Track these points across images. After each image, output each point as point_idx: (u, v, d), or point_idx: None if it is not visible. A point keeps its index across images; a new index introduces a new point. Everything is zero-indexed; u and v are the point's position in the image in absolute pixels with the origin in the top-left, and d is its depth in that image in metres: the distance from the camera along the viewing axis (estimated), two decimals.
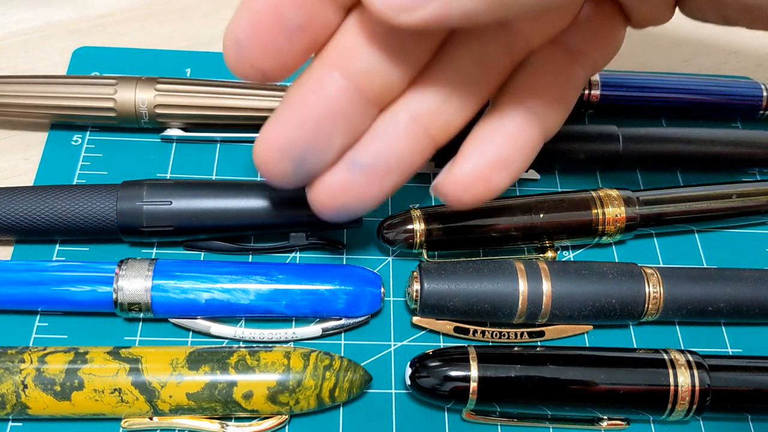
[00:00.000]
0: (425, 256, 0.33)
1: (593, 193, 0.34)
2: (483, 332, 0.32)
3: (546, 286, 0.30)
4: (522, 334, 0.32)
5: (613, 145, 0.37)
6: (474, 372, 0.28)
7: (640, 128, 0.38)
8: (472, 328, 0.32)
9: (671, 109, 0.40)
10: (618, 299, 0.31)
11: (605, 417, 0.29)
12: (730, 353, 0.33)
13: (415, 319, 0.32)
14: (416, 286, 0.30)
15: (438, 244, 0.33)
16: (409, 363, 0.29)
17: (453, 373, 0.28)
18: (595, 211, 0.33)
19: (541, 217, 0.33)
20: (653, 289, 0.31)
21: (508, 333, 0.32)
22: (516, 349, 0.29)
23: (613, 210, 0.33)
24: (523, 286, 0.30)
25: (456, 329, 0.32)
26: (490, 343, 0.32)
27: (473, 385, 0.28)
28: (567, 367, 0.29)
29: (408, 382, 0.29)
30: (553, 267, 0.31)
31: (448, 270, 0.31)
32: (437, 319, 0.31)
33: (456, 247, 0.33)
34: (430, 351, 0.29)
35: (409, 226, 0.32)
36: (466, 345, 0.30)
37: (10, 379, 0.27)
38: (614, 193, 0.34)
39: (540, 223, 0.33)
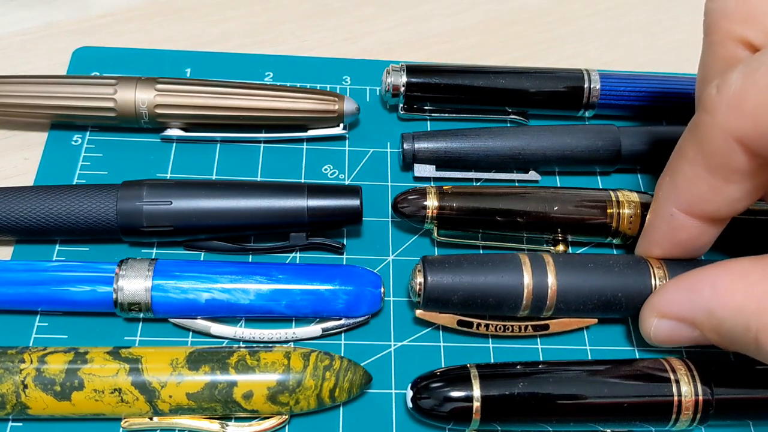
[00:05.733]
0: (436, 234, 0.33)
1: (611, 193, 0.34)
2: (487, 326, 0.31)
3: (551, 279, 0.30)
4: (526, 327, 0.32)
5: (613, 145, 0.37)
6: (477, 392, 0.28)
7: (640, 128, 0.38)
8: (476, 321, 0.31)
9: (671, 109, 0.40)
10: (624, 292, 0.30)
11: (608, 431, 0.29)
12: (732, 357, 0.33)
13: (419, 313, 0.31)
14: (419, 279, 0.30)
15: (449, 222, 0.33)
16: (409, 385, 0.29)
17: (455, 394, 0.28)
18: (611, 210, 0.33)
19: (555, 209, 0.33)
20: (659, 282, 0.30)
21: (512, 326, 0.32)
22: (518, 366, 0.29)
23: (629, 211, 0.33)
24: (527, 278, 0.30)
25: (459, 323, 0.31)
26: (491, 339, 0.32)
27: (476, 404, 0.27)
28: (569, 382, 0.28)
29: (410, 404, 0.28)
30: (558, 260, 0.31)
31: (451, 263, 0.30)
32: (441, 313, 0.31)
33: (467, 228, 0.34)
34: (430, 372, 0.29)
35: (424, 201, 0.33)
36: (467, 364, 0.29)
37: (10, 379, 0.27)
38: (634, 196, 0.34)
39: (553, 215, 0.33)
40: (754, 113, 0.24)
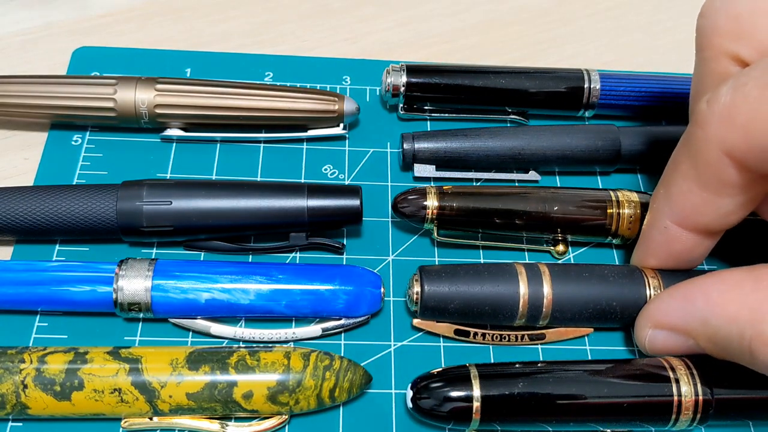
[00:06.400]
0: (436, 234, 0.33)
1: (611, 193, 0.34)
2: (483, 335, 0.32)
3: (546, 289, 0.30)
4: (523, 336, 0.32)
5: (613, 145, 0.37)
6: (476, 392, 0.28)
7: (640, 128, 0.38)
8: (472, 330, 0.32)
9: (671, 109, 0.40)
10: (619, 302, 0.31)
11: (608, 431, 0.29)
12: None
13: (416, 322, 0.32)
14: (416, 288, 0.30)
15: (449, 222, 0.33)
16: (409, 385, 0.29)
17: (455, 394, 0.28)
18: (611, 210, 0.33)
19: (555, 209, 0.33)
20: (654, 292, 0.31)
21: (509, 336, 0.32)
22: (517, 366, 0.29)
23: (629, 211, 0.33)
24: (523, 288, 0.30)
25: (456, 332, 0.32)
26: (491, 346, 0.32)
27: (476, 404, 0.27)
28: (569, 382, 0.28)
29: (409, 404, 0.28)
30: (554, 269, 0.31)
31: (448, 272, 0.31)
32: (438, 322, 0.31)
33: (467, 228, 0.34)
34: (430, 372, 0.29)
35: (424, 201, 0.33)
36: (466, 364, 0.29)
37: (10, 379, 0.27)
38: (634, 196, 0.34)
39: (553, 215, 0.33)
40: (744, 127, 0.25)
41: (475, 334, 0.32)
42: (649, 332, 0.29)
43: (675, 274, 0.31)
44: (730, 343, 0.26)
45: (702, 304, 0.27)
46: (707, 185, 0.27)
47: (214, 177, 0.36)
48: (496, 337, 0.32)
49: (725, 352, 0.27)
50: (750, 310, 0.25)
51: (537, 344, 0.32)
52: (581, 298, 0.31)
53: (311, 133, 0.37)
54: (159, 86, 0.35)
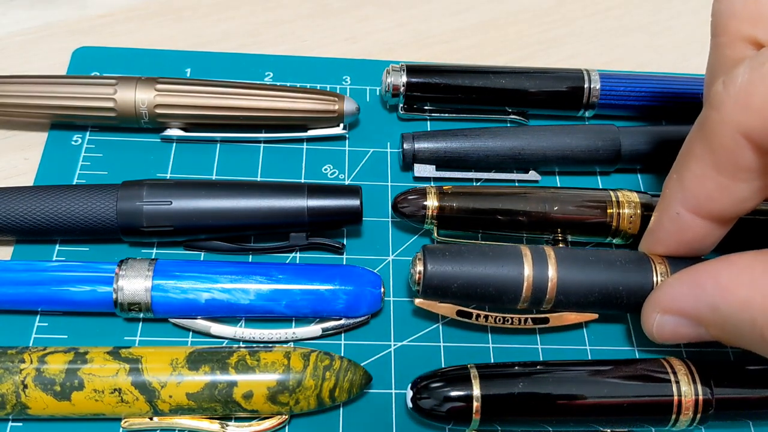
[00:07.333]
0: (435, 234, 0.33)
1: (611, 193, 0.34)
2: (486, 317, 0.31)
3: (552, 272, 0.30)
4: (526, 320, 0.31)
5: (613, 145, 0.37)
6: (476, 392, 0.27)
7: (640, 128, 0.38)
8: (475, 312, 0.31)
9: (671, 109, 0.40)
10: (625, 287, 0.30)
11: (608, 431, 0.29)
12: (732, 356, 0.33)
13: (417, 302, 0.31)
14: (419, 267, 0.30)
15: (449, 222, 0.33)
16: (409, 385, 0.29)
17: (455, 394, 0.27)
18: (611, 210, 0.33)
19: (555, 209, 0.33)
20: (661, 278, 0.30)
21: (512, 319, 0.31)
22: (517, 366, 0.29)
23: (629, 211, 0.33)
24: (528, 270, 0.30)
25: (459, 313, 0.31)
26: (490, 338, 0.32)
27: (476, 404, 0.27)
28: (569, 382, 0.28)
29: (409, 404, 0.28)
30: (560, 252, 0.31)
31: (452, 252, 0.30)
32: (440, 302, 0.31)
33: (466, 228, 0.34)
34: (430, 372, 0.29)
35: (424, 201, 0.33)
36: (467, 364, 0.29)
37: (10, 379, 0.27)
38: (634, 196, 0.34)
39: (553, 215, 0.33)
40: (762, 108, 0.24)
41: (478, 315, 0.31)
42: (657, 318, 0.29)
43: (683, 260, 0.31)
44: (742, 329, 0.25)
45: (711, 289, 0.26)
46: (723, 169, 0.26)
47: (214, 177, 0.36)
48: (499, 320, 0.31)
49: (736, 339, 0.26)
50: (762, 295, 0.25)
51: (540, 328, 0.32)
52: (587, 282, 0.30)
53: (311, 133, 0.37)
54: (159, 86, 0.35)
